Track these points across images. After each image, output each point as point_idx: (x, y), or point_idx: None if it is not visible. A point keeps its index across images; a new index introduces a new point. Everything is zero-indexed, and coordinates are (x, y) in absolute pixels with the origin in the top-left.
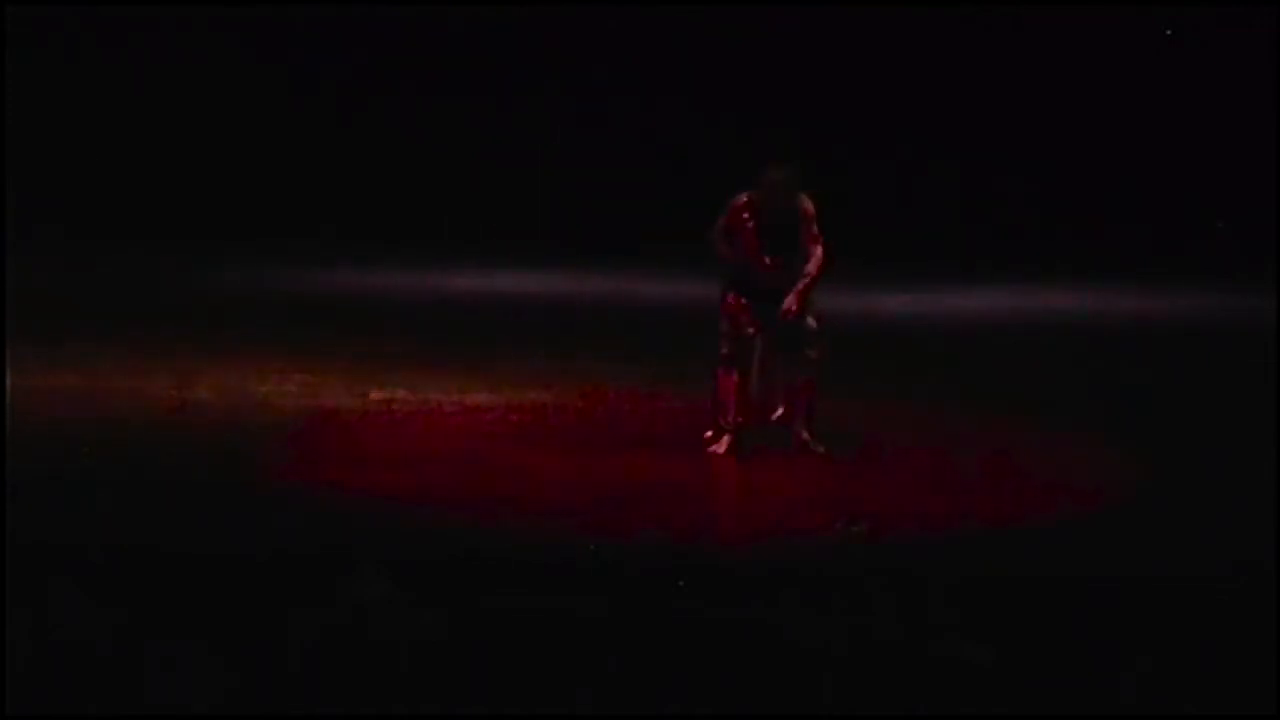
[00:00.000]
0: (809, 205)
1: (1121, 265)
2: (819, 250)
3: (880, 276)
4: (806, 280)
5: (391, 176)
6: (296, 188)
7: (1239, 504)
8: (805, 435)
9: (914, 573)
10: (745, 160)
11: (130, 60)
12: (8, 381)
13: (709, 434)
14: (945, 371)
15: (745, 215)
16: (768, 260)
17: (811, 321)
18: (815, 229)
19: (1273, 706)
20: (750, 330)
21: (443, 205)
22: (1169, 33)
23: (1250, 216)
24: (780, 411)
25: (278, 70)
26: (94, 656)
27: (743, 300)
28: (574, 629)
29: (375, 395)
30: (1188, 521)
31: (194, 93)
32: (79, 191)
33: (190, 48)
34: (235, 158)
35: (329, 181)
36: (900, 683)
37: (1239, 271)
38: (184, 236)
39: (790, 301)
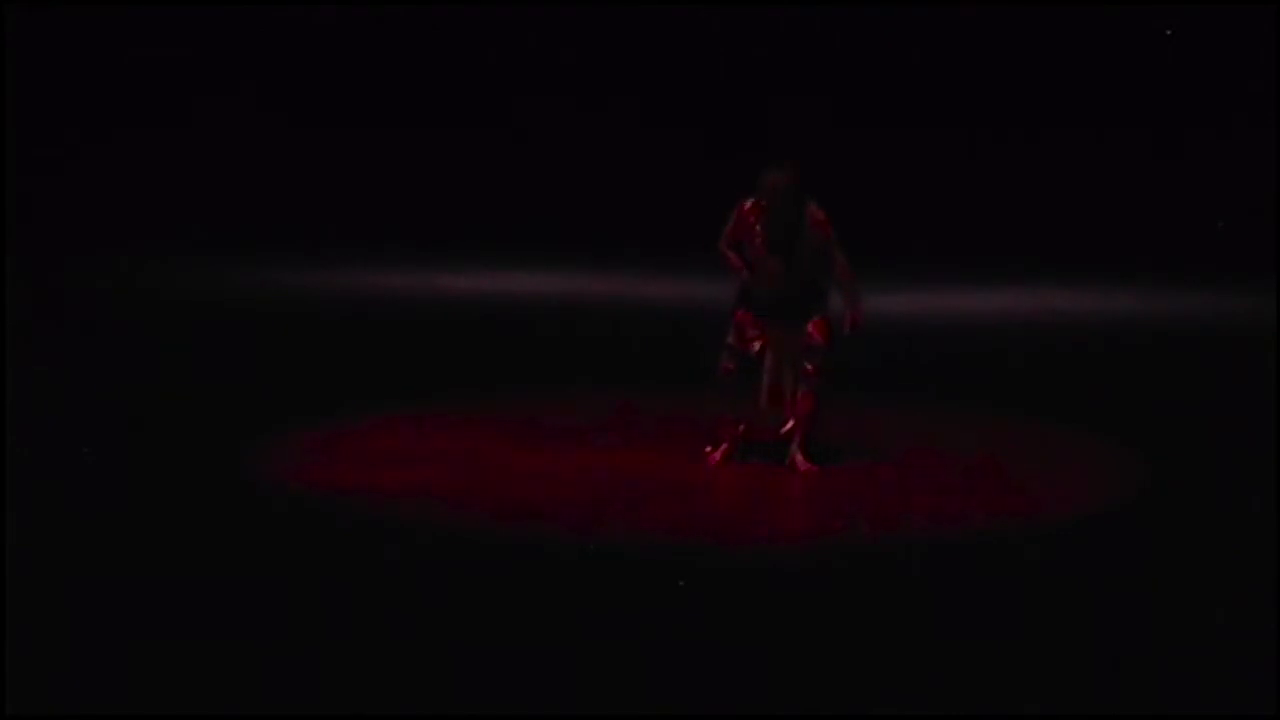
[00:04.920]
0: (818, 213)
1: (1121, 265)
2: (842, 259)
3: (880, 276)
4: (852, 293)
5: (388, 176)
6: (294, 188)
7: (1239, 504)
8: (798, 456)
9: (913, 573)
10: (745, 160)
11: (129, 61)
12: (8, 381)
13: (709, 448)
14: (945, 371)
15: (752, 220)
16: (776, 268)
17: (813, 334)
18: (832, 237)
19: (1273, 706)
20: (756, 345)
21: (443, 205)
22: (1169, 32)
23: (1250, 216)
24: (789, 426)
25: (277, 70)
26: (94, 657)
27: (751, 314)
28: (573, 629)
29: (375, 395)
30: (1187, 522)
31: (192, 91)
32: (78, 192)
33: (189, 47)
34: (232, 158)
35: (327, 182)
36: (899, 682)
37: (1239, 271)
38: (180, 238)
39: (853, 318)
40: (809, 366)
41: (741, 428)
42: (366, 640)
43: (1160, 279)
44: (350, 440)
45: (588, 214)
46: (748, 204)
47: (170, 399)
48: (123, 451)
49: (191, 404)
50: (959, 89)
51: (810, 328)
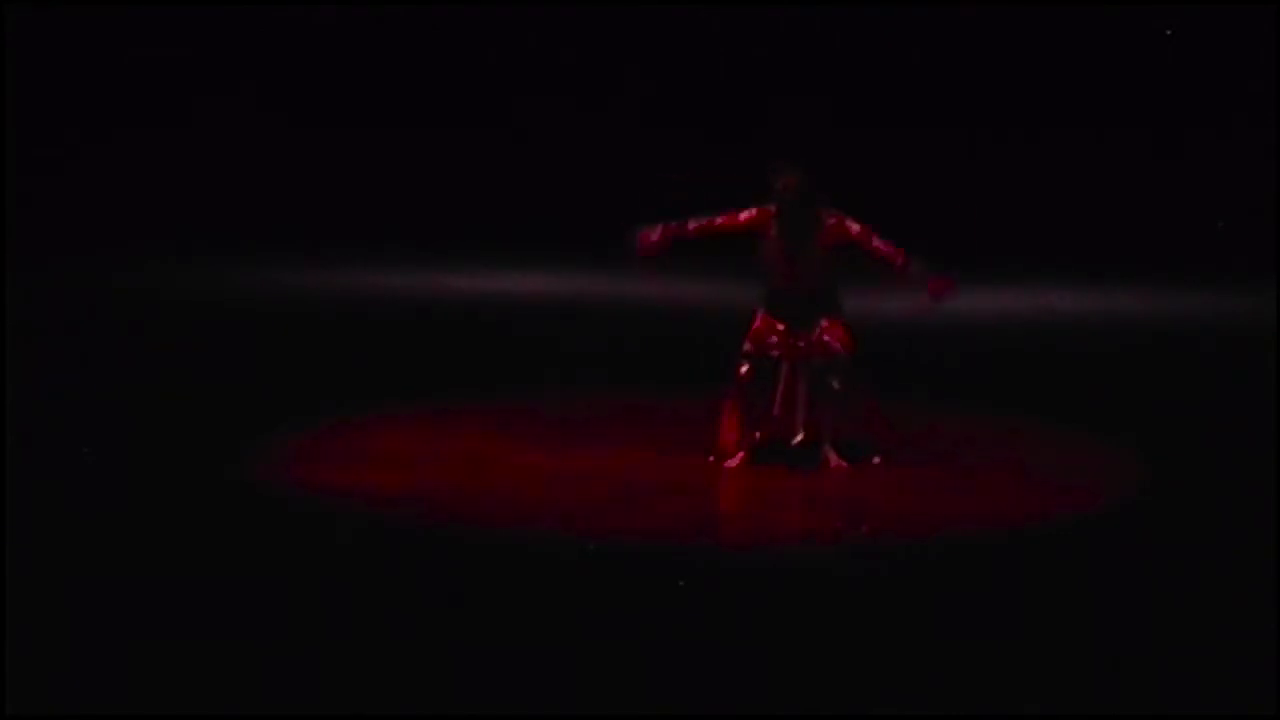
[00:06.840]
0: (834, 219)
1: (1122, 265)
2: (874, 239)
3: (880, 276)
4: (906, 264)
5: (388, 176)
6: (294, 188)
7: (1239, 504)
8: (831, 454)
9: (914, 574)
10: (745, 161)
11: (129, 61)
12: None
13: (712, 459)
14: (945, 371)
15: (765, 224)
16: (792, 271)
17: (838, 349)
18: (855, 225)
19: (1273, 707)
20: (775, 353)
21: (443, 205)
22: (1169, 32)
23: (1250, 216)
24: (800, 437)
25: (277, 70)
26: (94, 657)
27: (772, 322)
28: (573, 629)
29: (375, 395)
30: (1187, 522)
31: (192, 91)
32: (76, 191)
33: (189, 47)
34: (232, 158)
35: (327, 182)
36: (899, 682)
37: (1239, 271)
38: (180, 238)
39: (936, 286)
40: (835, 384)
41: (758, 435)
42: (366, 640)
43: (1160, 279)
44: (350, 440)
45: (588, 214)
46: (755, 211)
47: (170, 399)
48: (122, 451)
49: (191, 404)
50: (959, 89)
51: (827, 336)
